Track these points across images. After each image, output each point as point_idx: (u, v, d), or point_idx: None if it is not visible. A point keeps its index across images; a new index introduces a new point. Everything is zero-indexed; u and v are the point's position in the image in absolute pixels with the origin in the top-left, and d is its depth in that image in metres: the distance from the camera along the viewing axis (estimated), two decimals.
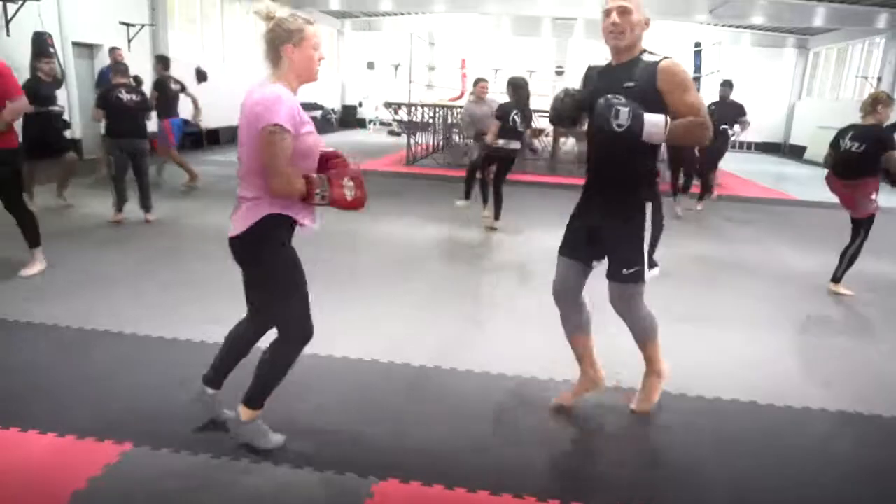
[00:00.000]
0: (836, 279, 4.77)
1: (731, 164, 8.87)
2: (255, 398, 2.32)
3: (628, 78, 2.34)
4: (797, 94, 19.78)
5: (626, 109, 2.23)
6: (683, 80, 2.31)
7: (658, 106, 2.29)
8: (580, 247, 2.62)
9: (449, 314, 3.98)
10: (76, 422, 2.48)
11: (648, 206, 2.48)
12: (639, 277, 2.53)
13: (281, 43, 2.10)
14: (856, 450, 2.64)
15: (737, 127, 7.97)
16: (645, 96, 2.29)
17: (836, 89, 17.77)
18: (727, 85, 8.26)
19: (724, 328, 3.96)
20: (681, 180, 7.92)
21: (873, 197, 4.54)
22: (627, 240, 2.50)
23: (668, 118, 2.27)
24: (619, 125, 2.23)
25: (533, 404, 2.83)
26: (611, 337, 3.01)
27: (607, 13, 2.37)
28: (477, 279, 4.85)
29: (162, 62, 8.30)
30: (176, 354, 3.17)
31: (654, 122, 2.25)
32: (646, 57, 2.37)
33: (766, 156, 18.51)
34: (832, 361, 3.56)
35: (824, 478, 2.43)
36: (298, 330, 2.27)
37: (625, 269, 2.52)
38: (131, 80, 6.34)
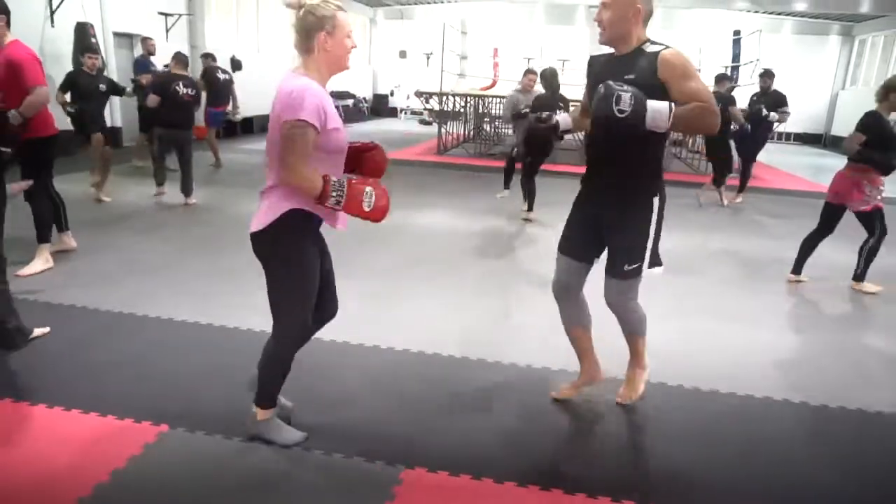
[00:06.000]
0: (858, 277, 4.62)
1: (768, 155, 8.62)
2: (262, 397, 2.32)
3: (629, 70, 2.29)
4: (840, 84, 19.14)
5: (629, 94, 2.16)
6: (685, 69, 2.24)
7: (661, 96, 2.22)
8: (581, 244, 2.58)
9: (478, 306, 4.00)
10: (117, 403, 2.57)
11: (656, 199, 2.43)
12: (638, 272, 2.50)
13: (314, 31, 2.04)
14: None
15: (773, 115, 7.75)
16: (646, 87, 2.22)
17: (882, 79, 17.10)
18: (767, 75, 8.04)
19: (756, 326, 3.89)
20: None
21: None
22: (632, 233, 2.45)
23: (673, 105, 2.19)
24: (620, 111, 2.16)
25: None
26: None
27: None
28: (506, 271, 4.85)
29: (210, 56, 8.73)
30: (211, 340, 3.26)
31: (658, 109, 2.17)
32: (647, 47, 2.31)
33: (806, 147, 18.00)
34: (864, 360, 3.48)
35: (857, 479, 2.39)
36: (298, 332, 2.24)
37: (626, 265, 2.47)
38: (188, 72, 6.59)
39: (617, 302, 2.59)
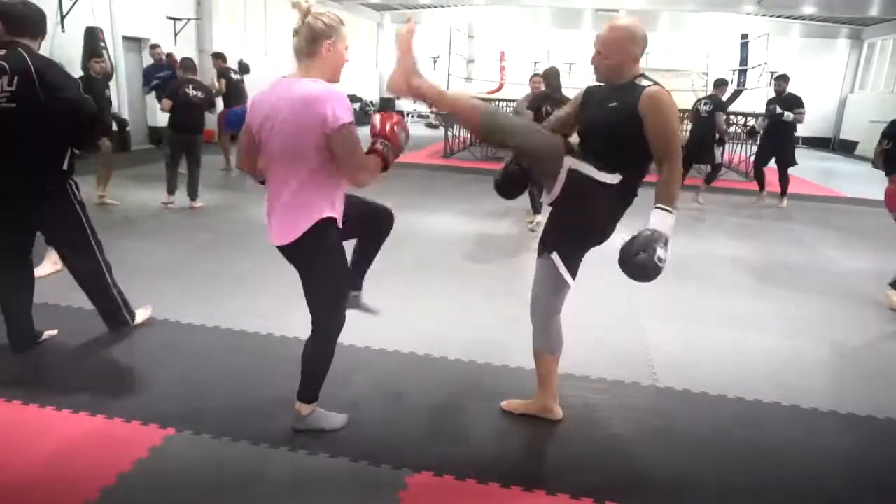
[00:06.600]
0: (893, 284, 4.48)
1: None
2: (308, 393, 2.41)
3: (615, 98, 2.32)
4: (849, 88, 19.03)
5: (656, 247, 2.13)
6: (664, 115, 2.22)
7: (634, 127, 2.23)
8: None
9: (484, 308, 3.99)
10: (123, 405, 2.58)
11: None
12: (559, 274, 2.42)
13: (321, 37, 2.10)
14: None
15: (788, 114, 7.76)
16: (624, 117, 2.24)
17: (891, 83, 17.02)
18: (783, 79, 8.03)
19: (764, 330, 3.87)
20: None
21: None
22: (565, 220, 2.41)
23: (666, 209, 2.19)
24: (660, 260, 2.14)
25: (568, 401, 2.82)
26: (644, 334, 2.98)
27: None
28: (513, 273, 4.84)
29: (220, 57, 8.81)
30: (217, 342, 3.27)
31: (669, 225, 2.19)
32: (639, 81, 2.31)
33: (815, 151, 17.90)
34: (875, 366, 3.45)
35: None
36: (338, 323, 2.34)
37: (553, 251, 2.42)
38: (196, 76, 6.67)
39: (537, 296, 2.53)
